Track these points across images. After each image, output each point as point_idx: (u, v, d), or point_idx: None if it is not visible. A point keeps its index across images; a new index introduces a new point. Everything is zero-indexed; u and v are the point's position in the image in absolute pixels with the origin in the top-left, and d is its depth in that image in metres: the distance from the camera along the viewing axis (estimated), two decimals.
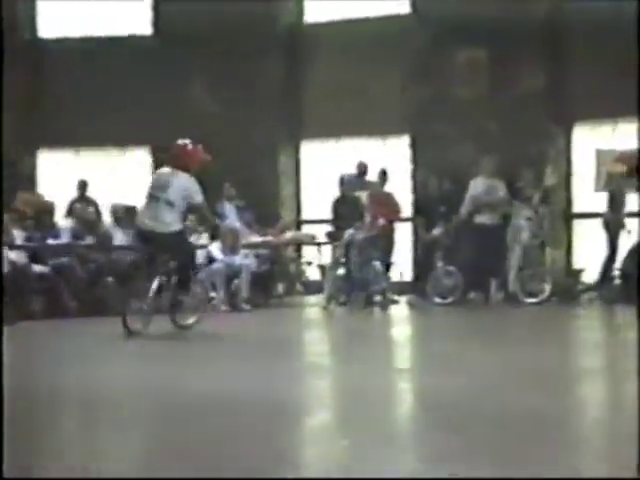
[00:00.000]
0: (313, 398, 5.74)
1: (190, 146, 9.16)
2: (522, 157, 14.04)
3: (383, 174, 14.40)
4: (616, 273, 13.39)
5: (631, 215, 13.25)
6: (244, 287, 13.02)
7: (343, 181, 14.01)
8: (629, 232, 13.09)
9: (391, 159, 15.48)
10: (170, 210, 8.91)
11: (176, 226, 8.98)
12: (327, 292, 13.14)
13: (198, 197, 9.02)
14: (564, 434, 4.41)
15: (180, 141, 9.18)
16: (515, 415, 4.84)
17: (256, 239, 14.21)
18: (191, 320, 9.32)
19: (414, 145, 15.56)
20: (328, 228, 14.02)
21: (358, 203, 13.65)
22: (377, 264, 13.03)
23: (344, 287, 13.32)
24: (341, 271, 13.34)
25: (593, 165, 13.89)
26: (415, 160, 15.53)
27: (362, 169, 14.44)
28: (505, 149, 14.06)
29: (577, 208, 14.78)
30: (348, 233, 13.12)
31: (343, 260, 13.29)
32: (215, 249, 13.17)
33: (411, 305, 13.54)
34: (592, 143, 14.42)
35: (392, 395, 5.90)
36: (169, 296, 9.06)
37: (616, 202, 13.26)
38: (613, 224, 13.23)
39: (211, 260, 13.07)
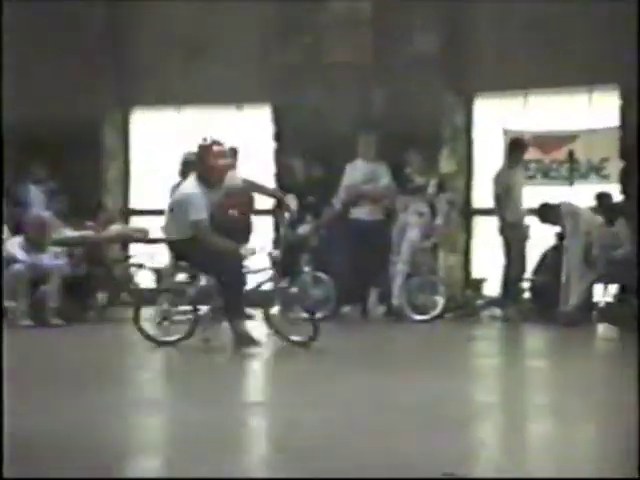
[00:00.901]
0: (136, 441, 5.75)
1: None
2: (412, 136, 14.29)
3: (233, 153, 14.39)
4: (526, 285, 13.80)
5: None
6: (53, 296, 12.87)
7: (186, 162, 13.99)
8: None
9: (247, 135, 15.57)
10: None
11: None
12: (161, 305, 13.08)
13: None
14: None
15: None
16: (382, 464, 4.96)
17: (71, 233, 14.08)
18: None
19: (277, 118, 15.67)
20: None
21: None
22: None
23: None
24: (181, 277, 13.31)
25: (500, 149, 14.28)
26: (278, 137, 15.64)
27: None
28: (391, 126, 14.30)
29: (479, 203, 15.09)
30: None
31: None
32: (14, 246, 12.98)
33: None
34: (498, 120, 14.82)
35: (240, 436, 5.98)
36: None
37: (511, 198, 13.66)
38: (509, 226, 13.64)
39: (10, 261, 12.88)
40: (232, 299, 10.10)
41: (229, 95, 15.73)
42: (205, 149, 10.21)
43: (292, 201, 11.63)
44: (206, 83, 15.55)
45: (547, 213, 13.39)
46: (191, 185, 10.17)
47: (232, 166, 10.08)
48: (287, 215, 11.37)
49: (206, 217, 9.99)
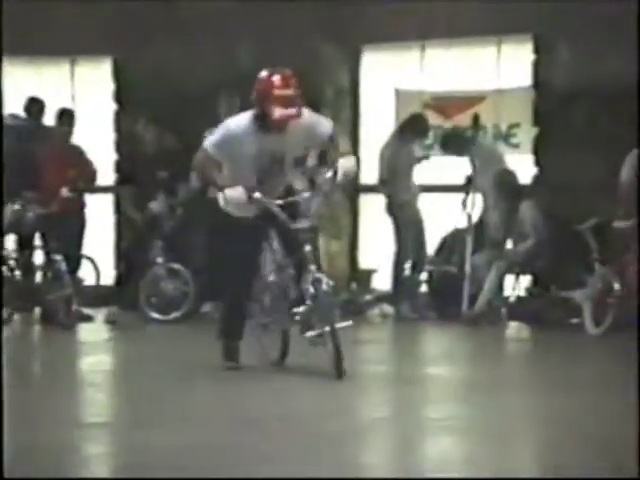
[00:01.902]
0: None
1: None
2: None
3: (68, 117, 14.42)
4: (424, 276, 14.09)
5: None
6: None
7: (3, 127, 13.97)
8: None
9: (82, 94, 15.63)
10: None
11: None
12: None
13: None
14: None
15: None
16: None
17: None
18: None
19: (118, 75, 15.74)
20: None
21: (30, 162, 13.69)
22: (58, 259, 13.13)
23: (6, 295, 13.34)
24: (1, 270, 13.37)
25: (392, 112, 14.55)
26: (120, 97, 15.72)
27: (36, 107, 14.46)
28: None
29: (367, 178, 15.29)
30: (11, 209, 13.15)
31: (4, 253, 13.34)
32: None
33: (113, 323, 13.72)
34: (390, 77, 15.11)
35: (77, 463, 6.12)
36: None
37: (402, 172, 13.97)
38: (398, 206, 13.93)
39: None
40: None
41: (63, 46, 15.74)
42: (265, 84, 9.38)
43: None
44: (35, 31, 15.48)
45: (452, 141, 13.74)
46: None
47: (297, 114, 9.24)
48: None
49: None
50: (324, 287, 8.81)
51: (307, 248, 8.93)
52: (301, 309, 9.01)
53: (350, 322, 8.93)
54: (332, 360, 8.70)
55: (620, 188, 12.22)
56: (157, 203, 14.04)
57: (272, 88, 9.08)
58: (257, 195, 9.04)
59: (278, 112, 9.07)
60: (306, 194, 9.32)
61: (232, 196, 9.00)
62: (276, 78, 9.16)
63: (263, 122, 9.20)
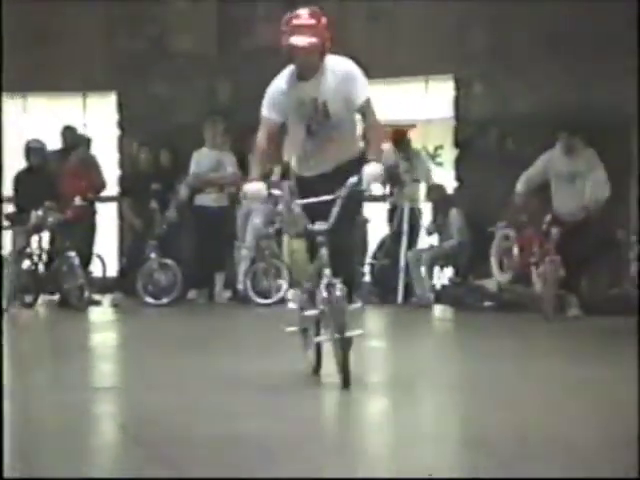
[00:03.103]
0: None
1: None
2: (256, 125, 14.48)
3: (83, 140, 14.55)
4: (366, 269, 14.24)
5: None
6: None
7: (28, 149, 14.03)
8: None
9: (92, 123, 15.67)
10: None
11: None
12: (8, 290, 13.18)
13: None
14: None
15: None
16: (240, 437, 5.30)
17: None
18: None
19: (121, 106, 15.77)
20: (10, 209, 14.02)
21: (51, 177, 13.75)
22: (72, 255, 13.21)
23: (31, 284, 13.42)
24: (27, 264, 13.43)
25: None
26: (122, 125, 15.75)
27: (69, 133, 14.54)
28: (236, 114, 14.46)
29: None
30: (35, 215, 13.23)
31: (29, 250, 13.40)
32: None
33: (117, 306, 13.81)
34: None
35: (89, 421, 6.17)
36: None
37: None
38: None
39: None
40: None
41: (75, 83, 15.76)
42: (288, 19, 7.24)
43: None
44: (52, 70, 15.52)
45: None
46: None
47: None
48: None
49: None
50: (338, 293, 6.83)
51: (323, 251, 6.98)
52: (312, 312, 7.17)
53: (361, 331, 7.09)
54: (339, 368, 6.90)
55: (515, 198, 12.44)
56: (170, 212, 14.10)
57: (291, 19, 7.06)
58: (277, 192, 7.55)
59: (288, 39, 7.01)
60: (327, 197, 7.05)
61: (250, 191, 7.19)
62: (298, 12, 7.11)
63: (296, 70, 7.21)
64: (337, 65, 7.20)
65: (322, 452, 5.16)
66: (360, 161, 7.16)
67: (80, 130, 14.96)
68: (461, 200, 13.73)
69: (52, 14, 15.44)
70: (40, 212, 13.28)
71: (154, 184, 14.13)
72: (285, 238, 14.85)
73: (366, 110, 7.20)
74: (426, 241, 14.04)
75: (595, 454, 4.92)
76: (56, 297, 13.69)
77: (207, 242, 13.79)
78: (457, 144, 14.43)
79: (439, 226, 13.69)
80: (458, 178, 14.41)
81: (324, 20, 7.11)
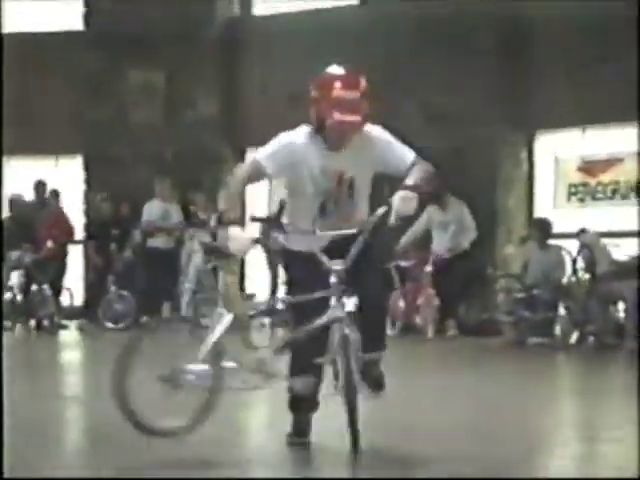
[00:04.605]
0: None
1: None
2: (197, 182, 14.67)
3: (55, 194, 14.60)
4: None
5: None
6: None
7: (12, 201, 14.05)
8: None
9: (64, 180, 15.67)
10: None
11: None
12: None
13: None
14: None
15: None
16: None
17: None
18: None
19: (88, 166, 15.80)
20: None
21: (28, 224, 13.76)
22: (45, 288, 13.22)
23: (10, 312, 13.39)
24: (7, 295, 13.40)
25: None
26: (88, 181, 15.77)
27: (41, 187, 14.58)
28: (180, 173, 14.60)
29: (250, 234, 15.55)
30: (14, 255, 13.24)
31: (10, 284, 13.40)
32: None
33: (82, 330, 13.80)
34: None
35: (59, 424, 6.20)
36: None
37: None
38: (275, 253, 14.18)
39: None
40: None
41: (48, 146, 15.74)
42: (323, 84, 5.19)
43: None
44: (29, 136, 15.51)
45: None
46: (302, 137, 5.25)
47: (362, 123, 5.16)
48: None
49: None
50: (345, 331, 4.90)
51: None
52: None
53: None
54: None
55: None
56: (126, 252, 14.13)
57: (332, 88, 5.10)
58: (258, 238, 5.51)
59: (337, 116, 5.07)
60: (349, 231, 5.12)
61: (236, 248, 5.11)
62: (339, 77, 5.15)
63: (322, 136, 5.19)
64: (371, 135, 5.24)
65: None
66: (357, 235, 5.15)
67: (51, 185, 14.95)
68: None
69: (31, 91, 15.44)
70: (18, 252, 13.28)
71: (113, 230, 14.20)
72: (221, 273, 14.92)
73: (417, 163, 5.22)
74: None
75: (459, 443, 5.06)
76: (32, 323, 13.65)
77: (157, 277, 13.84)
78: None
79: None
80: None
81: (364, 84, 5.17)
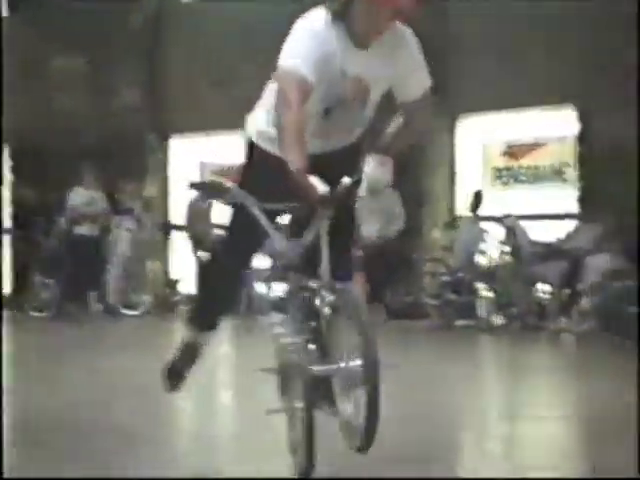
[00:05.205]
0: None
1: None
2: (122, 168, 14.60)
3: None
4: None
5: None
6: None
7: None
8: None
9: None
10: None
11: None
12: None
13: None
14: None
15: None
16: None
17: None
18: None
19: (13, 156, 15.65)
20: None
21: None
22: None
23: None
24: None
25: (197, 177, 14.84)
26: (15, 171, 15.62)
27: None
28: (106, 160, 14.47)
29: (174, 220, 15.54)
30: None
31: None
32: None
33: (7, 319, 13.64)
34: (195, 155, 15.25)
35: None
36: None
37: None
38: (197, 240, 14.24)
39: None
40: None
41: None
42: None
43: None
44: None
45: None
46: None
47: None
48: None
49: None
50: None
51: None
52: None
53: None
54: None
55: None
56: (51, 241, 13.98)
57: None
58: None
59: None
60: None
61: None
62: None
63: (345, 24, 3.83)
64: (404, 36, 3.96)
65: None
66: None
67: None
68: None
69: None
70: None
71: (38, 218, 14.09)
72: (147, 260, 14.88)
73: (422, 107, 4.10)
74: None
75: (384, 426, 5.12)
76: None
77: (83, 264, 13.75)
78: None
79: None
80: None
81: None
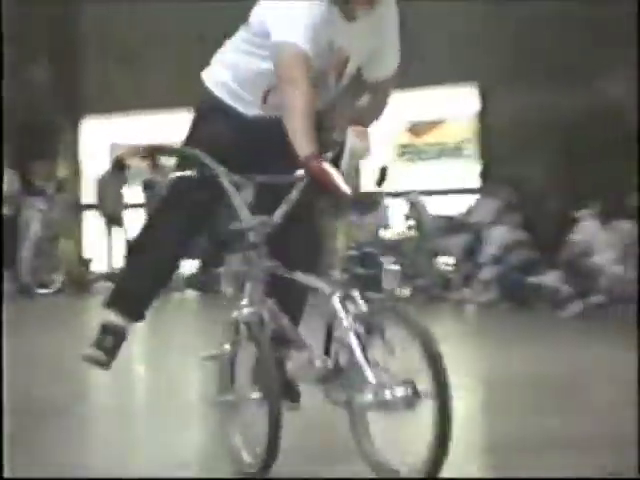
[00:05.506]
0: None
1: None
2: (34, 150, 14.61)
3: None
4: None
5: None
6: None
7: None
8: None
9: None
10: None
11: None
12: None
13: None
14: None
15: None
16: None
17: None
18: None
19: None
20: None
21: None
22: None
23: None
24: None
25: (108, 158, 14.94)
26: None
27: None
28: (18, 142, 14.38)
29: (87, 200, 15.66)
30: None
31: None
32: None
33: None
34: (105, 136, 15.38)
35: None
36: None
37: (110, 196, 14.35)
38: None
39: None
40: None
41: None
42: None
43: None
44: None
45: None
46: None
47: None
48: None
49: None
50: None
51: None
52: None
53: None
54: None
55: None
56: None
57: None
58: None
59: None
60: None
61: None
62: None
63: None
64: (389, 8, 3.78)
65: None
66: None
67: None
68: None
69: None
70: None
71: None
72: (60, 240, 14.87)
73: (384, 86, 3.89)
74: None
75: None
76: None
77: None
78: None
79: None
80: None
81: None
